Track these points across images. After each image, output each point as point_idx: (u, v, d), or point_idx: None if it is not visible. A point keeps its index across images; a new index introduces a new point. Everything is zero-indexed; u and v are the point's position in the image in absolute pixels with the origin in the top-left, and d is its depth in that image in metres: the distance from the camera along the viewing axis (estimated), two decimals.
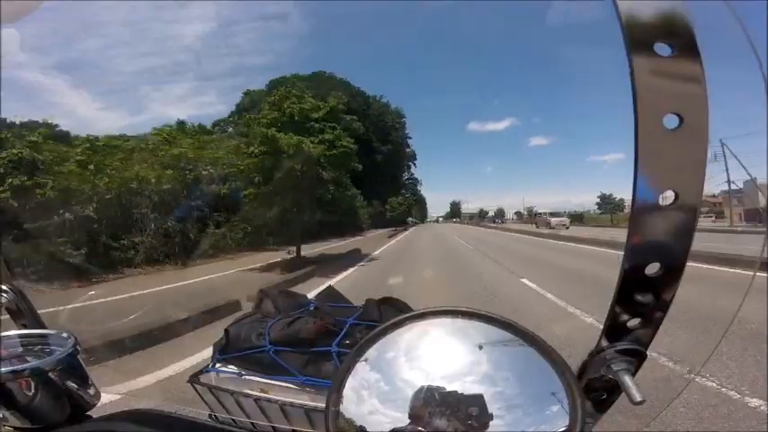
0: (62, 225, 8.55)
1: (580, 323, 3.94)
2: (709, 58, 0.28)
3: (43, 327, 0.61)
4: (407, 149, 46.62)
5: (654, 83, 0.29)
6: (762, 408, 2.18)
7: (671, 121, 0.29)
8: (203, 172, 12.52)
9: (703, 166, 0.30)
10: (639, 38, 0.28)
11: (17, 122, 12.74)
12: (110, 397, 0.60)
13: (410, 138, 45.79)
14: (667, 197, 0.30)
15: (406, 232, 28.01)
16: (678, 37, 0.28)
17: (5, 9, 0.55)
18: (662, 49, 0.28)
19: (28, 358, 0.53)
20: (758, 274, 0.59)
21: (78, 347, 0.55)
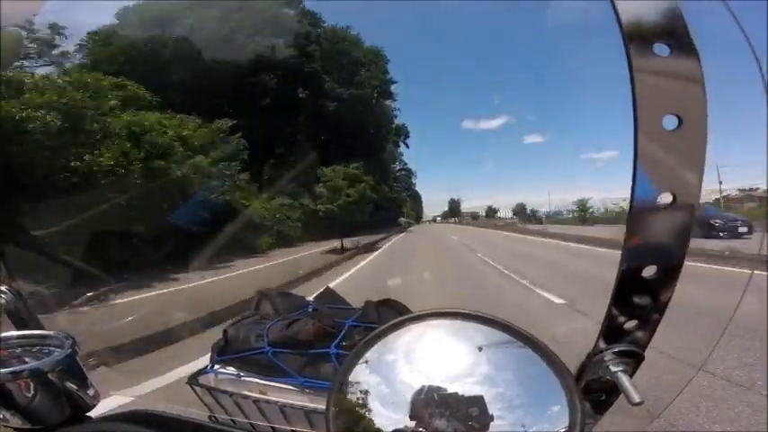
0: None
1: None
2: (708, 58, 0.28)
3: (41, 328, 0.60)
4: (393, 113, 27.56)
5: (653, 83, 0.29)
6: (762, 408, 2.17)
7: (670, 122, 0.29)
8: None
9: (702, 168, 0.30)
10: (639, 38, 0.28)
11: None
12: (109, 398, 0.60)
13: (395, 82, 26.45)
14: (665, 199, 0.30)
15: (376, 254, 11.52)
16: (677, 37, 0.28)
17: (5, 9, 0.55)
18: (661, 49, 0.28)
19: (27, 359, 0.53)
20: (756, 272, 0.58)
21: (77, 348, 0.55)
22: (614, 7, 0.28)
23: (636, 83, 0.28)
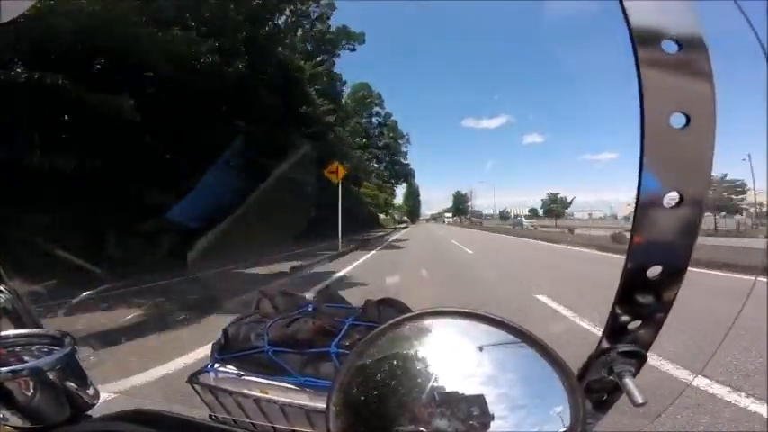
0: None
1: None
2: (717, 56, 0.27)
3: (40, 326, 0.60)
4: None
5: (661, 81, 0.28)
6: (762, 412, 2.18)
7: (678, 120, 0.29)
8: None
9: (709, 167, 0.30)
10: (646, 35, 0.28)
11: None
12: (109, 397, 0.60)
13: None
14: (672, 198, 0.30)
15: None
16: (686, 34, 0.28)
17: (5, 8, 0.55)
18: (669, 46, 0.28)
19: (26, 358, 0.53)
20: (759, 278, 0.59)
21: (76, 347, 0.54)
22: (622, 4, 0.28)
23: (643, 80, 0.28)
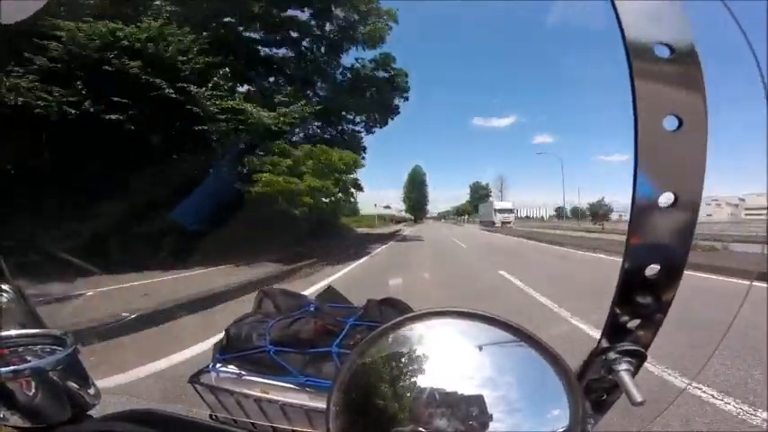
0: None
1: None
2: (708, 59, 0.28)
3: (43, 326, 0.61)
4: None
5: (653, 84, 0.29)
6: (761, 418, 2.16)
7: (670, 123, 0.29)
8: None
9: (703, 168, 0.30)
10: (639, 40, 0.28)
11: None
12: (110, 397, 0.60)
13: None
14: (667, 199, 0.31)
15: None
16: (677, 39, 0.28)
17: (5, 9, 0.55)
18: (661, 50, 0.28)
19: (28, 358, 0.53)
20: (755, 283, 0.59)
21: (78, 347, 0.55)
22: (615, 9, 0.29)
23: (636, 84, 0.29)
